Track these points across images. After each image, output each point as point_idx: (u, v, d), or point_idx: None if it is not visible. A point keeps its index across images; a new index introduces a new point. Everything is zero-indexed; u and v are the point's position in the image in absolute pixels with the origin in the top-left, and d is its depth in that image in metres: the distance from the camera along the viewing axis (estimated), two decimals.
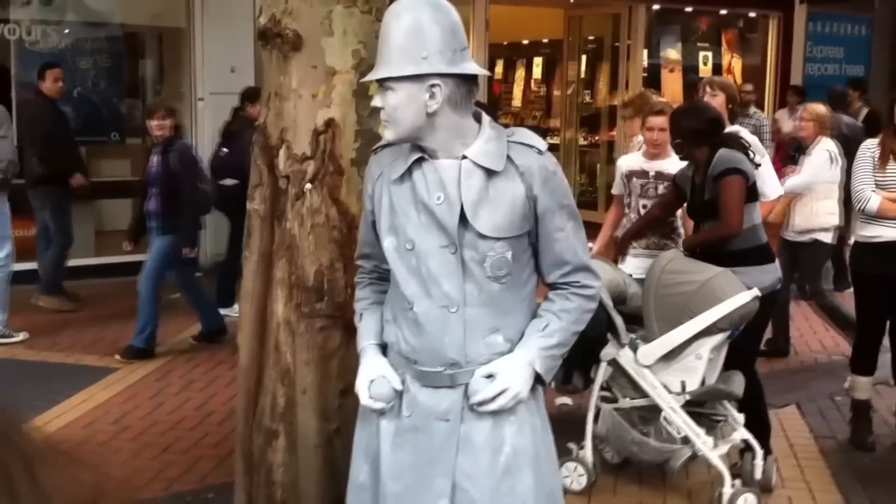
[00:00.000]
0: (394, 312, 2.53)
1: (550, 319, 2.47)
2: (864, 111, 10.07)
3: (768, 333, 6.05)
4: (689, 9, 13.22)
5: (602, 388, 4.36)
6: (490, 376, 2.42)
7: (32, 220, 7.94)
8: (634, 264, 5.05)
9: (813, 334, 7.28)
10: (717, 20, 13.59)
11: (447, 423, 2.44)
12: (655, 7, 12.80)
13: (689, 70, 13.14)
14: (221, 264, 7.86)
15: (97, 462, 0.82)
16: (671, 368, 4.21)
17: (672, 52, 13.32)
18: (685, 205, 4.82)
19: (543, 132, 12.60)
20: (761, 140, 7.10)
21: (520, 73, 15.14)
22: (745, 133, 5.11)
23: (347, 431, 2.82)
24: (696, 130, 4.49)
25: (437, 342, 2.42)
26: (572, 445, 4.42)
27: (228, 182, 7.12)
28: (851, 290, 5.55)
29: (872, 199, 4.86)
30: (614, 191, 5.58)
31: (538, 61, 14.70)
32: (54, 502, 0.75)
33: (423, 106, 2.34)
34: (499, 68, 15.13)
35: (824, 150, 6.51)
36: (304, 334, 3.27)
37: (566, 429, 4.14)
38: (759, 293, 4.16)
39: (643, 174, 5.24)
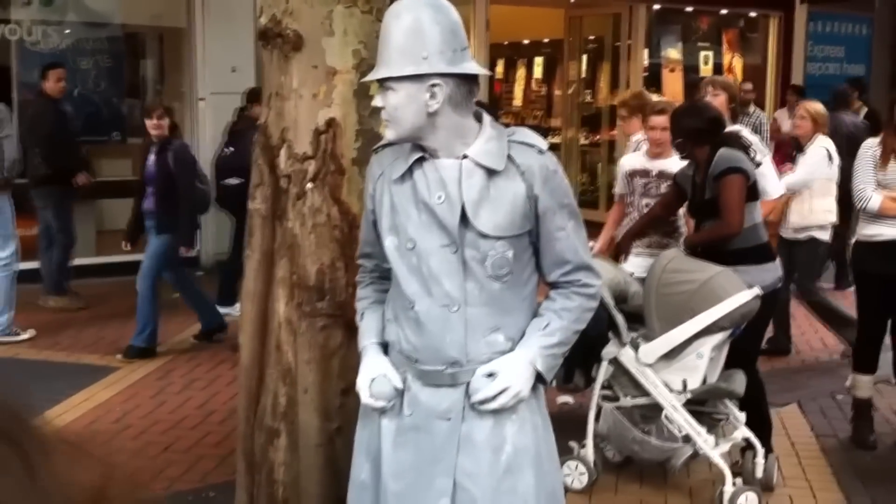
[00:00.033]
0: (395, 311, 2.53)
1: (551, 318, 2.48)
2: (864, 110, 10.07)
3: (769, 332, 6.05)
4: (689, 8, 13.22)
5: (603, 387, 4.36)
6: (491, 375, 2.42)
7: (35, 220, 7.95)
8: (636, 263, 5.06)
9: (814, 333, 7.28)
10: (718, 20, 13.59)
11: (448, 422, 2.44)
12: (656, 7, 12.80)
13: (690, 70, 13.14)
14: (224, 263, 7.87)
15: (106, 455, 0.83)
16: (672, 367, 4.21)
17: (673, 52, 13.32)
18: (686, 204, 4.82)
19: (544, 132, 12.60)
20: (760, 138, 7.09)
21: (520, 73, 15.14)
22: (746, 132, 5.11)
23: (349, 430, 2.82)
24: (697, 130, 4.50)
25: (438, 341, 2.43)
26: (573, 444, 4.42)
27: (232, 181, 7.13)
28: (852, 289, 5.55)
29: (874, 199, 4.86)
30: (616, 190, 5.58)
31: (539, 61, 14.70)
32: (64, 492, 0.76)
33: (424, 106, 2.34)
34: (500, 68, 15.13)
35: (821, 148, 6.51)
36: (306, 333, 3.27)
37: (567, 427, 4.14)
38: (760, 292, 4.16)
39: (645, 173, 5.25)
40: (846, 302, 6.62)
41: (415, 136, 2.40)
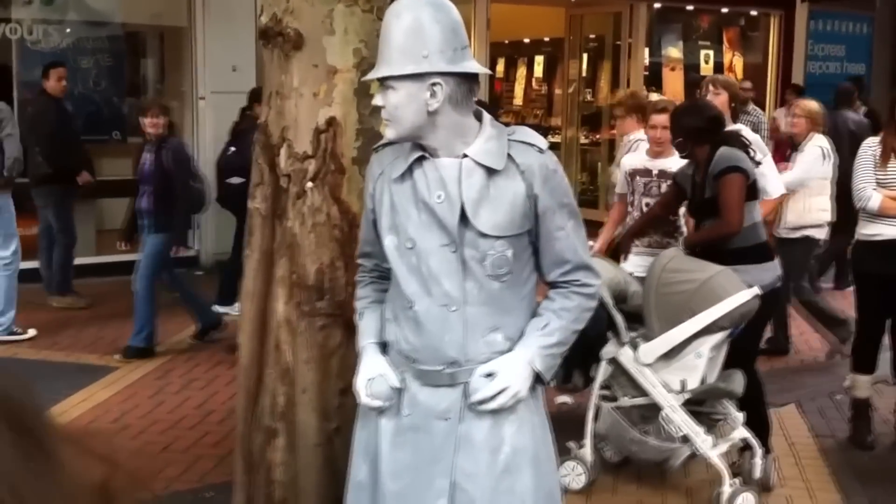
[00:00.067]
0: (394, 311, 2.53)
1: (550, 318, 2.47)
2: (863, 109, 10.06)
3: (768, 332, 6.05)
4: (690, 7, 13.22)
5: (602, 387, 4.36)
6: (490, 375, 2.42)
7: (35, 219, 7.95)
8: (636, 262, 5.06)
9: (813, 333, 7.28)
10: (719, 18, 13.59)
11: (447, 422, 2.44)
12: (657, 5, 12.80)
13: (691, 68, 13.14)
14: (226, 262, 7.87)
15: (111, 450, 0.84)
16: (671, 367, 4.21)
17: (673, 51, 13.32)
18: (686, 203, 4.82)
19: (544, 131, 12.61)
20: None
21: (521, 72, 15.14)
22: (746, 131, 5.11)
23: (347, 430, 2.82)
24: (697, 128, 4.50)
25: (437, 341, 2.43)
26: (572, 444, 4.42)
27: (235, 181, 7.13)
28: (852, 288, 5.55)
29: (874, 198, 4.86)
30: (617, 189, 5.58)
31: (539, 60, 14.71)
32: (75, 483, 0.77)
33: (424, 105, 2.34)
34: (500, 67, 15.13)
35: (816, 147, 6.50)
36: (305, 333, 3.27)
37: (566, 427, 4.13)
38: (759, 291, 4.16)
39: (646, 172, 5.24)
40: (846, 302, 6.62)
41: (415, 135, 2.40)
